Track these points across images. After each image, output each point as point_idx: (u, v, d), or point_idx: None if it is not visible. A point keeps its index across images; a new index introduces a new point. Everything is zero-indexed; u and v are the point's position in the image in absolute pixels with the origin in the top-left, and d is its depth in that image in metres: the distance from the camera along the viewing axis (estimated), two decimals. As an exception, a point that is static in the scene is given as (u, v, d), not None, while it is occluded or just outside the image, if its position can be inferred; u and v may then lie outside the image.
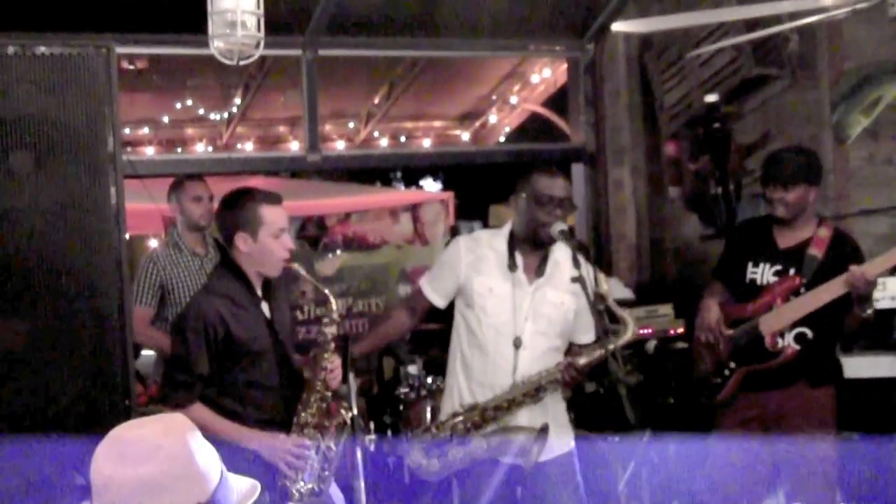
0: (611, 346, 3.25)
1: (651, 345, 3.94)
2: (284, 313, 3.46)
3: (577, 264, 3.33)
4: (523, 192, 3.51)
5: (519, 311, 3.48)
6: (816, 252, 3.85)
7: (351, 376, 3.30)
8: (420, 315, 3.74)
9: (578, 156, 7.18)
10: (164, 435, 1.54)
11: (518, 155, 7.36)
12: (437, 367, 5.82)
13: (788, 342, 3.84)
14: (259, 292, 3.37)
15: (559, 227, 3.43)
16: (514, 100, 9.71)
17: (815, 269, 3.82)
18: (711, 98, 5.87)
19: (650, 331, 4.82)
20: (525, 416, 3.47)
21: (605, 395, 5.36)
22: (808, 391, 3.88)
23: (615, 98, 7.05)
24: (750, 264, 3.95)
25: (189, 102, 8.70)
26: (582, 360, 3.42)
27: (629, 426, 3.25)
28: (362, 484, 3.13)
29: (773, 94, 5.99)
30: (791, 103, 5.82)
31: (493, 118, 10.19)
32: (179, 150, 9.25)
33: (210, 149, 9.28)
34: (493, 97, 9.76)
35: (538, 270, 3.53)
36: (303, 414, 3.32)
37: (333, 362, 3.34)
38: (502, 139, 10.14)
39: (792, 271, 3.86)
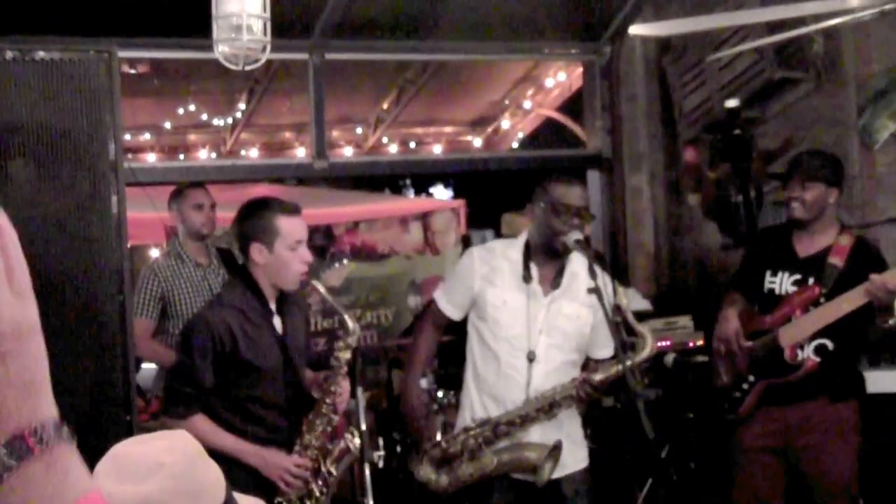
0: (628, 363, 3.25)
1: (670, 358, 3.94)
2: (299, 329, 3.46)
3: (593, 275, 3.32)
4: (540, 200, 3.51)
5: (533, 324, 3.48)
6: (837, 260, 3.84)
7: (359, 391, 3.31)
8: (441, 329, 3.76)
9: (594, 162, 7.18)
10: (167, 452, 1.54)
11: (532, 161, 7.36)
12: (449, 380, 5.82)
13: (808, 354, 3.83)
14: (273, 306, 3.37)
15: (575, 236, 3.43)
16: (527, 104, 9.73)
17: (835, 279, 3.81)
18: (732, 103, 5.85)
19: (668, 343, 4.81)
20: (538, 433, 3.47)
21: (622, 409, 5.35)
22: (830, 406, 3.87)
23: (632, 102, 7.05)
24: (768, 273, 3.96)
25: (192, 108, 8.75)
26: (598, 377, 3.42)
27: (647, 441, 3.24)
28: (371, 501, 3.13)
29: (796, 99, 5.98)
30: (815, 108, 5.81)
31: (505, 123, 10.21)
32: (182, 156, 9.30)
33: (213, 155, 9.32)
34: (506, 102, 9.78)
35: (554, 282, 3.53)
36: (307, 435, 3.33)
37: (343, 387, 3.34)
38: (515, 145, 10.16)
39: (811, 280, 3.86)
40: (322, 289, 3.33)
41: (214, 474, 1.61)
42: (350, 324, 3.33)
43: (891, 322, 3.73)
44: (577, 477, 3.58)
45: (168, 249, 4.98)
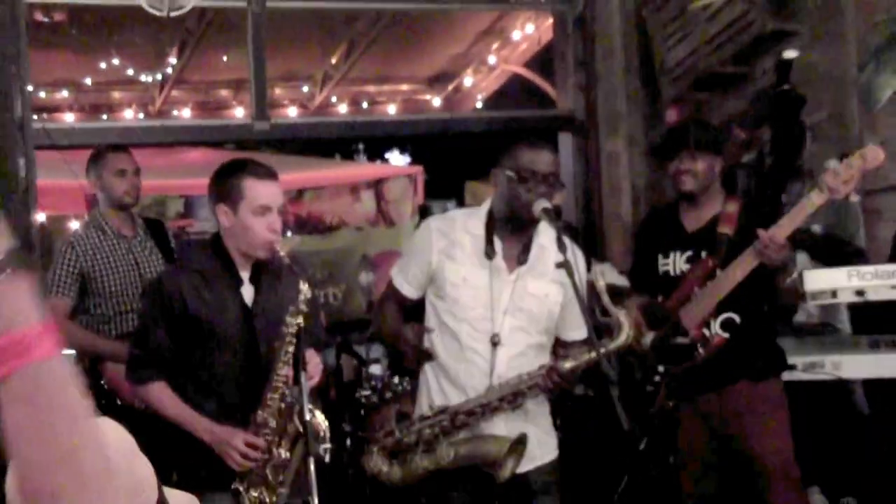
0: (602, 350, 3.25)
1: (648, 339, 3.95)
2: (276, 303, 3.48)
3: (562, 247, 3.31)
4: (504, 166, 3.49)
5: (497, 305, 3.47)
6: (726, 229, 3.98)
7: (303, 376, 3.29)
8: (403, 310, 3.76)
9: (566, 124, 7.18)
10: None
11: (497, 123, 7.35)
12: (405, 367, 5.82)
13: (716, 331, 3.95)
14: (245, 275, 3.46)
15: (542, 204, 3.41)
16: (492, 60, 9.72)
17: (727, 248, 3.94)
18: (791, 54, 5.72)
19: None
20: (502, 424, 3.48)
21: (595, 398, 5.38)
22: (753, 386, 3.99)
23: (609, 58, 7.05)
24: (660, 256, 4.09)
25: (115, 62, 8.64)
26: (567, 365, 3.40)
27: (623, 433, 3.24)
28: (316, 500, 3.12)
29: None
30: (812, 64, 5.83)
31: (468, 81, 10.19)
32: (104, 116, 9.19)
33: (140, 116, 9.23)
34: (469, 57, 9.75)
35: (520, 257, 3.52)
36: (260, 412, 3.36)
37: (312, 357, 3.42)
38: (479, 105, 10.14)
39: (704, 254, 3.98)
40: (282, 252, 3.39)
41: (147, 469, 1.59)
42: (302, 284, 3.35)
43: (788, 281, 3.83)
44: (545, 469, 3.59)
45: (88, 220, 4.90)
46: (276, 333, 3.39)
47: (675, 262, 4.05)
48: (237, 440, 3.33)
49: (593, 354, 3.28)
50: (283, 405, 3.36)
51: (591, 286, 3.38)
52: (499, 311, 3.47)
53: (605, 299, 3.32)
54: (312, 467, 3.20)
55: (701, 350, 3.93)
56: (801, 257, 4.92)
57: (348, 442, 5.76)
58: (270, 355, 3.39)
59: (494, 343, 3.45)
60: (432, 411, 3.47)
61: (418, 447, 3.45)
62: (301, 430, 3.28)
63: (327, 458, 3.47)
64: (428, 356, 3.55)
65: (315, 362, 3.47)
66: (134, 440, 1.60)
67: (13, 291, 1.07)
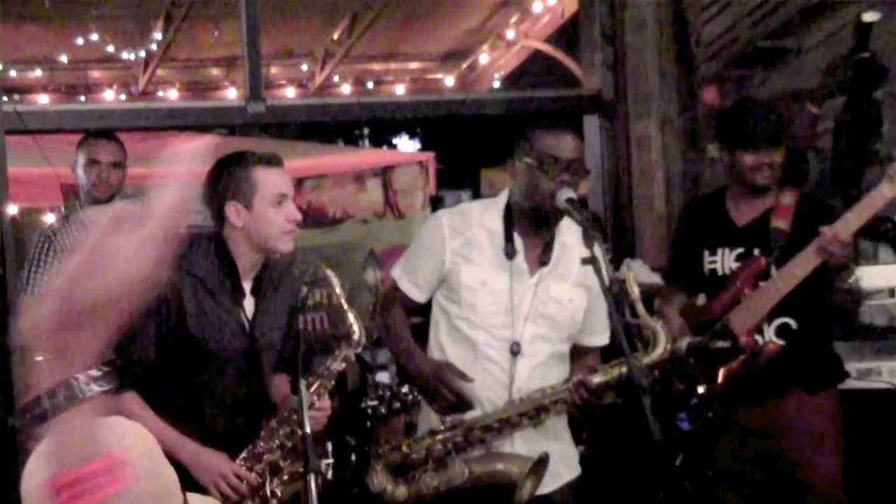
0: (636, 364, 3.24)
1: (683, 343, 3.92)
2: (276, 318, 3.49)
3: (588, 241, 3.29)
4: (522, 154, 3.47)
5: (518, 311, 3.45)
6: (782, 223, 3.92)
7: (302, 385, 3.29)
8: (411, 313, 3.73)
9: (592, 105, 7.16)
10: (119, 446, 1.54)
11: (516, 104, 7.33)
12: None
13: (770, 338, 3.90)
14: (248, 285, 3.41)
15: (566, 194, 3.39)
16: (510, 34, 9.70)
17: (782, 244, 3.89)
18: (871, 17, 5.57)
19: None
20: (521, 441, 3.47)
21: (625, 407, 5.36)
22: (808, 399, 3.93)
23: (639, 31, 7.03)
24: (706, 252, 4.03)
25: (94, 37, 8.64)
26: (596, 380, 3.40)
27: (656, 446, 3.24)
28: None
29: (842, 24, 5.98)
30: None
31: (484, 58, 10.18)
32: (82, 98, 9.21)
33: (122, 97, 9.24)
34: (485, 31, 9.74)
35: (542, 258, 3.50)
36: (261, 444, 3.35)
37: (324, 402, 3.41)
38: (496, 85, 10.13)
39: (756, 252, 3.93)
40: (335, 282, 3.43)
41: (172, 472, 1.61)
42: (355, 329, 3.37)
43: (850, 281, 3.79)
44: (567, 488, 3.59)
45: (66, 212, 4.92)
46: (272, 350, 3.42)
47: (724, 260, 3.99)
48: (226, 468, 3.28)
49: (625, 368, 3.28)
50: (289, 444, 3.34)
51: (621, 285, 3.37)
52: (520, 317, 3.45)
53: (640, 309, 3.32)
54: (313, 485, 3.20)
55: (760, 358, 3.85)
56: (884, 252, 4.84)
57: (352, 457, 5.77)
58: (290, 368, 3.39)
59: (514, 352, 3.43)
60: (445, 425, 3.45)
61: (428, 464, 3.43)
62: (301, 473, 3.29)
63: (329, 475, 3.47)
64: (468, 406, 3.44)
65: (328, 407, 3.44)
66: (154, 439, 1.62)
67: (91, 422, 1.15)
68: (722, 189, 4.12)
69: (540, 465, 3.37)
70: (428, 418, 3.57)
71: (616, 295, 3.27)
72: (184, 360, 3.32)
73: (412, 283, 3.59)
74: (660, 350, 3.37)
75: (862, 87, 5.52)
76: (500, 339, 3.45)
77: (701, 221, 4.14)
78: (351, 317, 3.41)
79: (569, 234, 3.50)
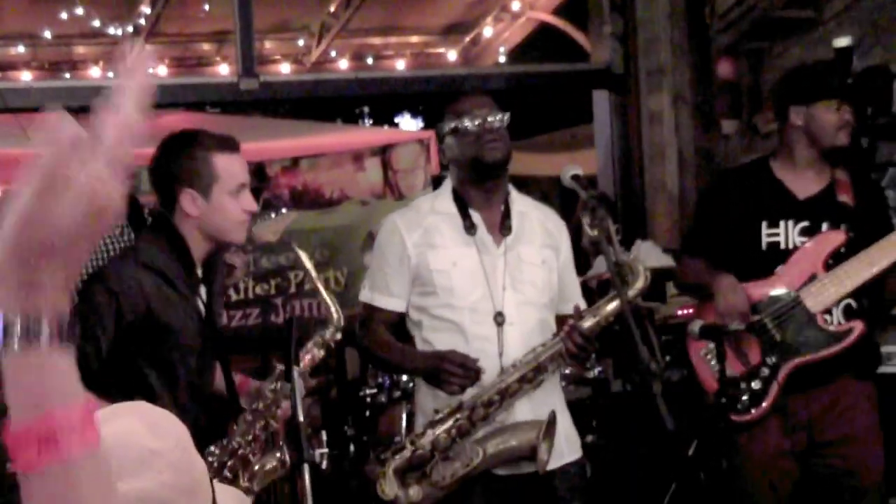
0: (625, 296, 3.33)
1: (696, 327, 3.91)
2: (219, 303, 3.51)
3: (595, 220, 3.34)
4: (447, 135, 3.64)
5: (493, 281, 3.54)
6: (846, 198, 3.90)
7: (295, 372, 3.29)
8: (392, 328, 3.77)
9: (602, 79, 7.17)
10: (151, 435, 1.53)
11: (522, 79, 7.35)
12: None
13: (838, 319, 3.85)
14: (199, 272, 3.37)
15: (571, 170, 3.46)
16: (516, 6, 9.69)
17: (850, 222, 3.87)
18: (843, 41, 5.62)
19: (694, 308, 4.82)
20: (526, 408, 3.51)
21: (635, 395, 5.38)
22: (854, 384, 3.90)
23: (650, 2, 7.03)
24: (765, 224, 3.93)
25: (79, 12, 8.64)
26: (587, 323, 3.45)
27: (668, 435, 3.25)
28: (311, 513, 3.13)
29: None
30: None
31: (488, 31, 10.17)
32: (67, 75, 9.21)
33: (109, 74, 9.23)
34: (489, 3, 9.73)
35: (502, 227, 3.60)
36: (237, 438, 3.32)
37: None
38: (501, 59, 10.12)
39: (825, 226, 3.88)
40: (306, 259, 3.36)
41: (202, 462, 1.62)
42: (333, 312, 3.34)
43: None
44: (570, 471, 3.61)
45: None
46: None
47: (789, 234, 3.91)
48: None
49: (615, 304, 3.38)
50: (263, 434, 3.32)
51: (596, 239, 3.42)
52: (497, 287, 3.54)
53: (614, 245, 3.38)
54: (307, 475, 3.20)
55: (844, 342, 3.82)
56: None
57: (351, 448, 5.78)
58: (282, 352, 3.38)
59: (499, 323, 3.50)
60: (443, 412, 3.46)
61: (435, 457, 3.43)
62: (278, 466, 3.28)
63: (324, 465, 3.48)
64: (479, 373, 3.44)
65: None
66: (186, 429, 1.61)
67: (54, 366, 1.08)
68: (762, 160, 4.04)
69: (551, 426, 3.41)
70: (424, 411, 3.58)
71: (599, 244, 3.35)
72: (153, 355, 3.27)
73: (385, 294, 3.64)
74: (641, 280, 3.45)
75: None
76: (483, 312, 3.52)
77: (751, 192, 4.02)
78: (326, 296, 3.38)
79: (521, 202, 3.66)
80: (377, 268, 3.70)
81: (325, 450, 3.47)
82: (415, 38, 10.28)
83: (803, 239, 3.89)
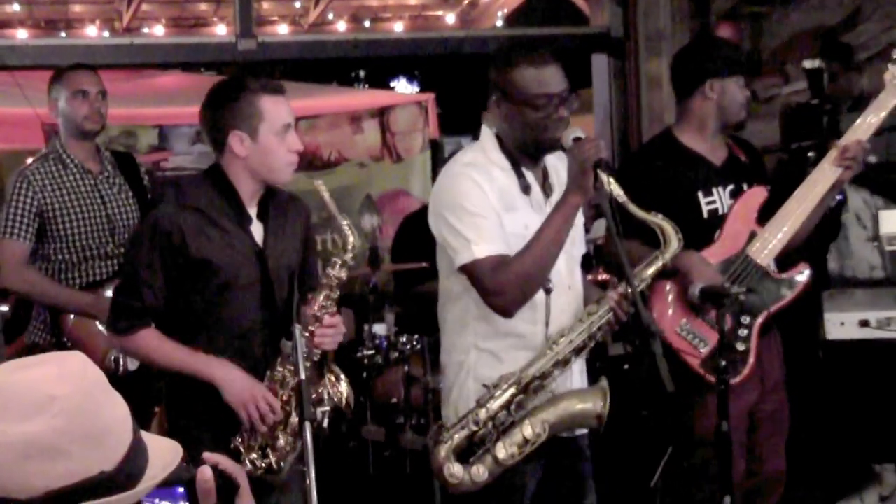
0: (666, 258, 3.41)
1: (696, 289, 3.91)
2: (289, 241, 3.60)
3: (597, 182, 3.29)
4: (503, 94, 3.41)
5: None
6: (742, 157, 4.19)
7: (297, 329, 3.31)
8: None
9: (601, 43, 7.13)
10: (58, 381, 1.53)
11: (520, 43, 7.30)
12: (415, 323, 5.81)
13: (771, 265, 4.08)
14: (253, 211, 3.52)
15: (574, 133, 3.36)
16: (515, -32, 9.63)
17: (755, 176, 4.17)
18: (811, 64, 5.66)
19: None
20: (577, 376, 3.53)
21: (635, 356, 5.36)
22: (777, 333, 4.20)
23: (651, -36, 7.00)
24: (701, 194, 4.09)
25: (76, -30, 8.60)
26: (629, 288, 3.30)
27: (667, 397, 3.24)
28: (313, 471, 3.14)
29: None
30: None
31: (486, -7, 10.12)
32: (63, 33, 9.15)
33: (105, 33, 9.18)
34: (488, -36, 9.68)
35: (545, 186, 3.52)
36: (279, 368, 3.44)
37: (334, 318, 3.48)
38: (499, 23, 10.07)
39: (746, 186, 4.11)
40: (324, 190, 3.43)
41: (119, 410, 1.60)
42: (349, 234, 3.45)
43: (839, 198, 4.09)
44: (582, 440, 3.63)
45: (47, 151, 4.88)
46: (288, 272, 3.52)
47: (723, 199, 4.10)
48: (258, 389, 3.40)
49: (655, 266, 3.41)
50: (307, 363, 3.38)
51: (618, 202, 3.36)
52: None
53: (633, 208, 3.32)
54: (308, 434, 3.21)
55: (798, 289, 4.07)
56: (859, 195, 4.93)
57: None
58: (288, 302, 3.46)
59: (548, 291, 3.38)
60: (496, 388, 3.34)
61: (494, 434, 3.28)
62: (327, 392, 3.47)
63: (325, 424, 3.49)
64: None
65: (339, 323, 3.51)
66: (104, 377, 1.61)
67: None
68: (665, 135, 4.23)
69: (606, 394, 3.41)
70: (466, 391, 3.42)
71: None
72: (199, 292, 3.44)
73: (500, 238, 3.36)
74: (675, 242, 3.41)
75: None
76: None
77: (673, 166, 4.13)
78: (343, 222, 3.47)
79: (553, 157, 3.53)
80: (475, 222, 3.35)
81: (327, 408, 3.50)
82: (413, 1, 10.21)
83: (731, 201, 4.10)
